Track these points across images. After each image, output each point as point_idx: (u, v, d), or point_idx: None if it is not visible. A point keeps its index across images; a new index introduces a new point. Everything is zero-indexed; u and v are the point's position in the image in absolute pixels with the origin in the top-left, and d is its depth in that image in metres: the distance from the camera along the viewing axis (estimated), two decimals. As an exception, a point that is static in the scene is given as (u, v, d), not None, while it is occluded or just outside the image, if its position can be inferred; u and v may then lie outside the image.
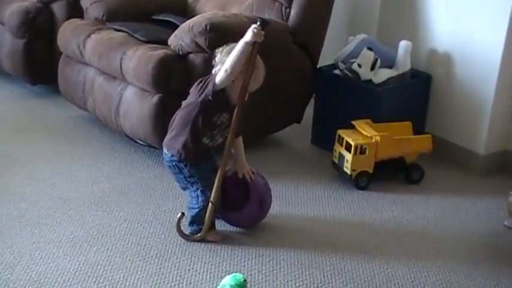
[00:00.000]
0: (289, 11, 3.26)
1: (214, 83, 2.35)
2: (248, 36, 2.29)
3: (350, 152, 2.94)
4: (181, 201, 2.81)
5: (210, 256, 2.44)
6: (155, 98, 2.95)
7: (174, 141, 2.48)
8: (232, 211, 2.58)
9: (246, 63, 2.33)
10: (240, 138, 2.56)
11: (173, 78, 2.94)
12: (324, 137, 3.27)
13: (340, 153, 3.02)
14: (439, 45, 3.29)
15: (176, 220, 2.53)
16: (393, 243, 2.60)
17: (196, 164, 2.47)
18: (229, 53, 2.35)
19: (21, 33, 3.77)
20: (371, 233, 2.67)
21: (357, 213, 2.81)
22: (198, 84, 2.43)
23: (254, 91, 2.46)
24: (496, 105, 3.12)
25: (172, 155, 2.48)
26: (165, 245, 2.49)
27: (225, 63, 2.33)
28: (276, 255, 2.47)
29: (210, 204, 2.46)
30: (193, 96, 2.43)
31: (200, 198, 2.49)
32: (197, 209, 2.50)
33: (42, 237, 2.49)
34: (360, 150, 2.93)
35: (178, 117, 2.48)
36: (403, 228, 2.72)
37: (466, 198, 2.99)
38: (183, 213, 2.53)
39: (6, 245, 2.43)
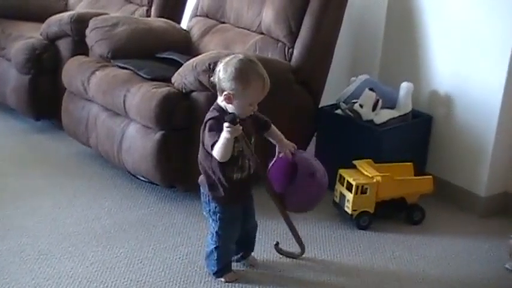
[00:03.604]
0: (292, 51, 3.31)
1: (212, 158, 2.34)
2: (226, 134, 2.25)
3: (351, 192, 2.94)
4: (182, 238, 2.81)
5: (209, 294, 2.44)
6: (158, 135, 2.97)
7: (211, 190, 2.44)
8: (288, 192, 2.51)
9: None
10: (272, 127, 2.50)
11: (176, 115, 2.96)
12: (325, 176, 3.27)
13: (341, 192, 3.03)
14: (440, 86, 3.32)
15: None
16: (394, 285, 2.59)
17: (227, 204, 2.44)
18: (224, 70, 2.29)
19: (27, 69, 3.80)
20: (371, 274, 2.65)
21: (358, 253, 2.80)
22: (203, 131, 2.36)
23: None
24: (496, 146, 3.13)
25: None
26: (165, 283, 2.48)
27: (214, 150, 2.29)
28: (276, 294, 2.47)
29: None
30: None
31: (215, 239, 2.47)
32: (211, 248, 2.49)
33: (41, 273, 2.49)
34: (361, 190, 2.94)
35: (202, 166, 2.45)
36: (404, 269, 2.71)
37: (467, 239, 2.98)
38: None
39: (5, 280, 2.42)
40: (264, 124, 2.50)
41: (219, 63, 2.35)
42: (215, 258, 2.49)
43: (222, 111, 2.34)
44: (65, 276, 2.48)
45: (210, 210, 2.46)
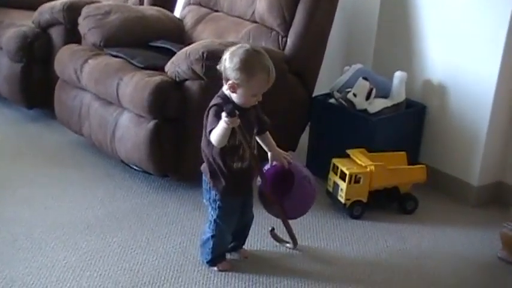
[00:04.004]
0: (286, 40, 3.30)
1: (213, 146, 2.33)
2: (223, 124, 2.23)
3: (344, 181, 2.94)
4: (175, 227, 2.81)
5: (203, 283, 2.44)
6: (151, 124, 2.96)
7: (212, 177, 2.43)
8: (287, 198, 2.54)
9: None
10: (267, 133, 2.52)
11: (169, 104, 2.95)
12: (319, 166, 3.27)
13: (334, 182, 3.03)
14: (433, 76, 3.32)
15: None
16: (386, 274, 2.60)
17: (227, 196, 2.43)
18: (230, 59, 2.29)
19: (19, 57, 3.78)
20: (364, 264, 2.66)
21: (351, 243, 2.81)
22: (206, 117, 2.35)
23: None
24: (489, 136, 3.14)
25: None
26: (158, 272, 2.48)
27: (211, 135, 2.29)
28: (269, 282, 2.47)
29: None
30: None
31: (212, 227, 2.47)
32: (208, 236, 2.49)
33: (34, 262, 2.48)
34: (355, 180, 2.94)
35: (204, 154, 2.42)
36: (397, 258, 2.72)
37: (460, 229, 2.99)
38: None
39: (-2, 269, 2.42)
40: (262, 126, 2.49)
41: (225, 51, 2.35)
42: (210, 246, 2.50)
43: (226, 99, 2.34)
44: (58, 265, 2.48)
45: (210, 198, 2.45)
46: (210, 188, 2.44)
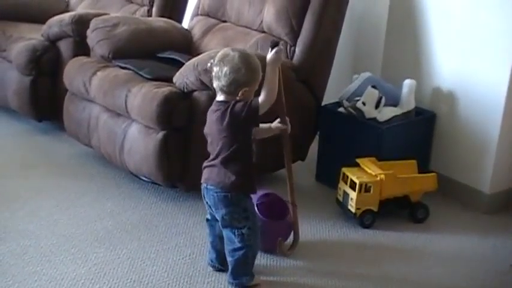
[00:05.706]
0: (294, 49, 3.29)
1: (257, 110, 2.31)
2: (274, 59, 2.32)
3: (355, 190, 2.93)
4: (185, 238, 2.80)
5: (213, 295, 2.43)
6: (160, 135, 2.96)
7: (246, 180, 2.40)
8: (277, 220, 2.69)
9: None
10: None
11: (178, 115, 2.95)
12: (329, 175, 3.26)
13: (344, 191, 3.01)
14: (443, 83, 3.30)
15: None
16: (399, 283, 2.57)
17: (249, 196, 2.44)
18: (222, 64, 2.32)
19: (28, 70, 3.79)
20: (376, 273, 2.64)
21: (362, 253, 2.78)
22: (222, 118, 2.34)
23: None
24: (500, 143, 3.11)
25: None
26: (168, 283, 2.47)
27: (263, 91, 2.31)
28: (280, 294, 2.45)
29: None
30: (229, 128, 2.34)
31: (246, 239, 2.38)
32: (243, 251, 2.39)
33: (44, 275, 2.48)
34: (365, 189, 2.92)
35: (236, 163, 2.37)
36: (409, 267, 2.69)
37: (472, 237, 2.96)
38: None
39: (7, 283, 2.41)
40: None
41: (214, 62, 2.35)
42: (248, 261, 2.42)
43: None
44: (68, 278, 2.47)
45: (240, 210, 2.38)
46: (239, 201, 2.38)
